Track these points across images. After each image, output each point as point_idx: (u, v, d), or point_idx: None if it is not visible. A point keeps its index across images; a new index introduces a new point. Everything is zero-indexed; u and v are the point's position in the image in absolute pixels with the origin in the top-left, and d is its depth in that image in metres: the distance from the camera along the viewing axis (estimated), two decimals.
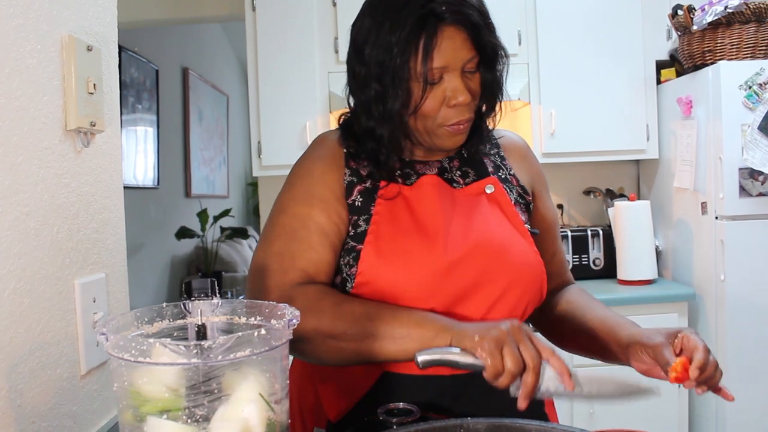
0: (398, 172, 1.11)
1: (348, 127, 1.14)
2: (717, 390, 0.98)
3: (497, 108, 1.14)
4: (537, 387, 0.86)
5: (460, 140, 1.09)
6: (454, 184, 1.13)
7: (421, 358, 0.87)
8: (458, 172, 1.15)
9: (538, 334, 0.91)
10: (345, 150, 1.13)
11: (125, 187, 1.17)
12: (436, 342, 0.91)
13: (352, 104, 1.13)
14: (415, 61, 1.00)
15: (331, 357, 1.00)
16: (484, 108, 1.12)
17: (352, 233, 1.07)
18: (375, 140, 1.07)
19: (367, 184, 1.10)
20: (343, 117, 1.18)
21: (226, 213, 5.46)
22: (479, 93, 1.07)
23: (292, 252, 1.05)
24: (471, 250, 1.04)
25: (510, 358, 0.85)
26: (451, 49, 1.01)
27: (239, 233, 5.51)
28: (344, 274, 1.06)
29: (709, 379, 0.94)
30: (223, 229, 5.44)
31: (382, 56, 1.02)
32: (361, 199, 1.08)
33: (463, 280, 1.03)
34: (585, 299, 1.19)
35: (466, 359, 0.87)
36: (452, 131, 1.06)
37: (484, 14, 1.04)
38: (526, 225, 1.13)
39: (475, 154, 1.16)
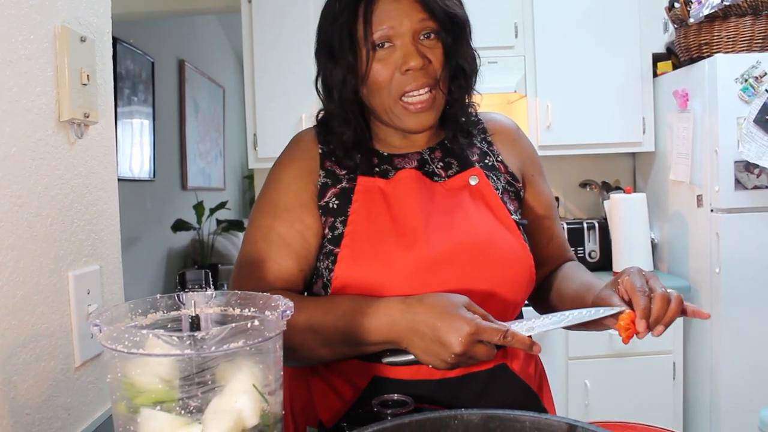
0: (376, 169, 1.09)
1: (325, 121, 1.13)
2: (686, 313, 0.92)
3: (472, 83, 1.10)
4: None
5: (425, 120, 1.05)
6: (436, 178, 1.10)
7: (386, 361, 0.97)
8: (440, 164, 1.11)
9: (487, 325, 0.87)
10: (321, 150, 1.11)
11: (121, 180, 1.17)
12: (392, 347, 0.94)
13: (320, 90, 1.12)
14: (358, 26, 1.01)
15: (301, 360, 1.01)
16: (455, 91, 1.09)
17: (329, 236, 1.05)
18: (341, 124, 1.07)
19: (344, 184, 1.07)
20: (321, 112, 1.16)
21: (222, 205, 5.45)
22: (441, 62, 1.04)
23: (252, 263, 1.05)
24: (453, 249, 1.02)
25: (466, 365, 0.91)
26: (395, 12, 0.99)
27: (235, 226, 5.51)
28: (324, 279, 1.04)
29: (660, 317, 0.88)
30: (219, 222, 5.43)
31: (330, 30, 1.03)
32: (337, 202, 1.06)
33: (447, 280, 1.00)
34: (572, 272, 1.16)
35: None
36: (410, 109, 1.03)
37: None
38: (514, 216, 1.09)
39: (454, 142, 1.13)
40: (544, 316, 0.95)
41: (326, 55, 1.05)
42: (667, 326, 0.90)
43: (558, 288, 1.15)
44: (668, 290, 0.92)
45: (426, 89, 1.03)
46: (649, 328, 0.88)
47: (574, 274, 1.15)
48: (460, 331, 0.86)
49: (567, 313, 0.94)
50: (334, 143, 1.09)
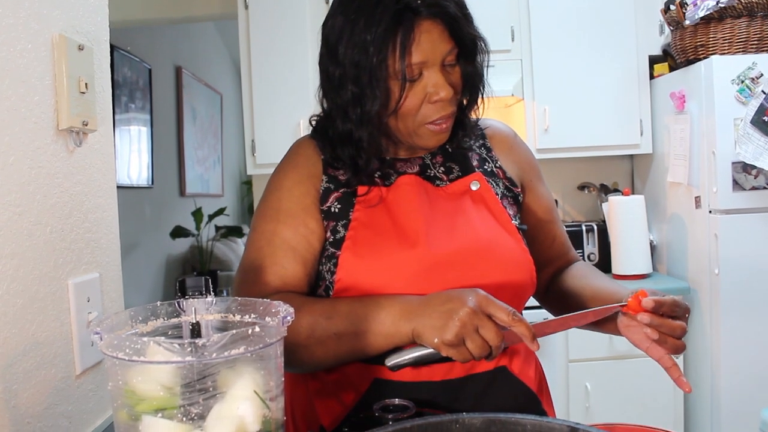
0: (378, 173, 1.09)
1: (322, 131, 1.11)
2: (675, 375, 0.95)
3: (479, 101, 1.11)
4: (501, 349, 0.90)
5: (443, 138, 1.07)
6: (437, 182, 1.11)
7: (390, 363, 0.92)
8: (441, 169, 1.12)
9: (497, 302, 0.90)
10: (322, 157, 1.10)
11: (119, 187, 1.17)
12: (399, 338, 0.93)
13: (325, 107, 1.09)
14: (393, 58, 0.97)
15: (305, 362, 1.00)
16: (465, 102, 1.10)
17: (331, 239, 1.05)
18: (353, 144, 1.05)
19: (346, 189, 1.08)
20: (315, 119, 1.14)
21: (220, 212, 5.45)
22: (461, 87, 1.05)
23: (257, 268, 1.05)
24: (455, 251, 1.03)
25: (474, 348, 0.88)
26: (428, 43, 0.98)
27: (234, 232, 5.50)
28: (327, 282, 1.05)
29: (664, 322, 0.92)
30: (218, 228, 5.43)
31: (357, 56, 0.99)
32: (339, 206, 1.07)
33: (449, 281, 1.00)
34: (582, 273, 1.17)
35: (433, 352, 0.91)
36: (434, 130, 1.04)
37: (460, 5, 1.02)
38: (514, 221, 1.11)
39: (458, 148, 1.14)
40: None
41: (352, 81, 1.00)
42: (666, 342, 0.93)
43: (571, 292, 1.15)
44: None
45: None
46: (651, 319, 0.92)
47: (584, 278, 1.16)
48: (474, 292, 0.90)
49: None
50: (341, 155, 1.08)
